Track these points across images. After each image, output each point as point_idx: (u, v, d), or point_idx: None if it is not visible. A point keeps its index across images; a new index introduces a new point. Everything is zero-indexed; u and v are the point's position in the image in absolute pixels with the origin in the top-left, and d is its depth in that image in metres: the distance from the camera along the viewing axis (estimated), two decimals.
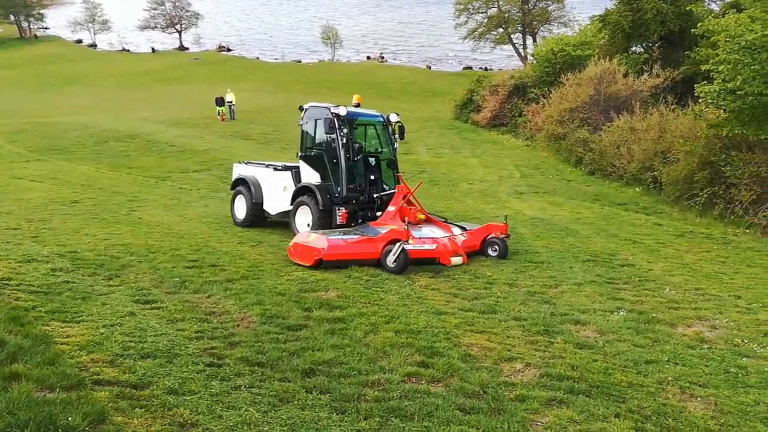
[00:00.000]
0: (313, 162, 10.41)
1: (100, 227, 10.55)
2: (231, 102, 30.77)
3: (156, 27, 71.83)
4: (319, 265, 8.12)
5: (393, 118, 10.74)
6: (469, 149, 24.86)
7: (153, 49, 69.74)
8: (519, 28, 46.63)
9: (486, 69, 49.02)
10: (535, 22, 45.96)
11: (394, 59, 60.63)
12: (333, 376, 4.70)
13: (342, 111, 9.96)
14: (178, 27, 72.31)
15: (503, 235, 9.33)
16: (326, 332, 5.65)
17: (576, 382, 4.75)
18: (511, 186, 18.09)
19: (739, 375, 5.07)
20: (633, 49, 25.38)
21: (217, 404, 4.11)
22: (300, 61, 61.71)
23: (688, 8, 18.74)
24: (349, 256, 8.27)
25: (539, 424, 4.13)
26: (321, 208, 9.80)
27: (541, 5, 45.74)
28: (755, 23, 11.38)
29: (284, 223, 11.05)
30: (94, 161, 20.28)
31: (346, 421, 3.99)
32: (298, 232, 9.73)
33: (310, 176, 10.37)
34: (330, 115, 9.86)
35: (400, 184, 10.17)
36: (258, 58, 64.36)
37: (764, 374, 5.09)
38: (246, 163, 12.11)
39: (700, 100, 13.95)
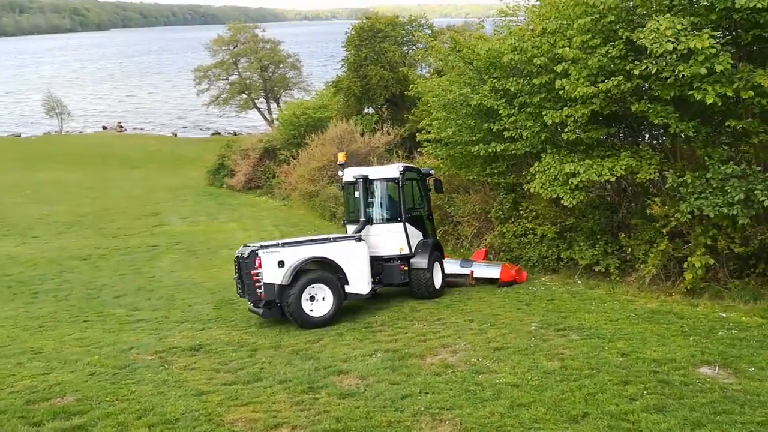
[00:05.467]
0: (416, 222, 11.03)
1: None
2: None
3: None
4: None
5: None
6: (227, 214, 24.39)
7: None
8: (262, 93, 48.02)
9: (235, 134, 49.20)
10: (276, 88, 47.84)
11: (134, 128, 57.20)
12: None
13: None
14: None
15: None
16: None
17: None
18: None
19: (477, 391, 5.73)
20: (366, 110, 28.11)
21: None
22: (20, 135, 54.44)
23: (404, 74, 21.66)
24: None
25: None
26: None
27: (279, 72, 47.89)
28: (453, 86, 13.53)
29: None
30: None
31: None
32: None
33: (415, 236, 10.82)
34: (423, 176, 11.77)
35: None
36: None
37: (496, 386, 5.84)
38: (282, 245, 9.21)
39: (422, 152, 15.96)
